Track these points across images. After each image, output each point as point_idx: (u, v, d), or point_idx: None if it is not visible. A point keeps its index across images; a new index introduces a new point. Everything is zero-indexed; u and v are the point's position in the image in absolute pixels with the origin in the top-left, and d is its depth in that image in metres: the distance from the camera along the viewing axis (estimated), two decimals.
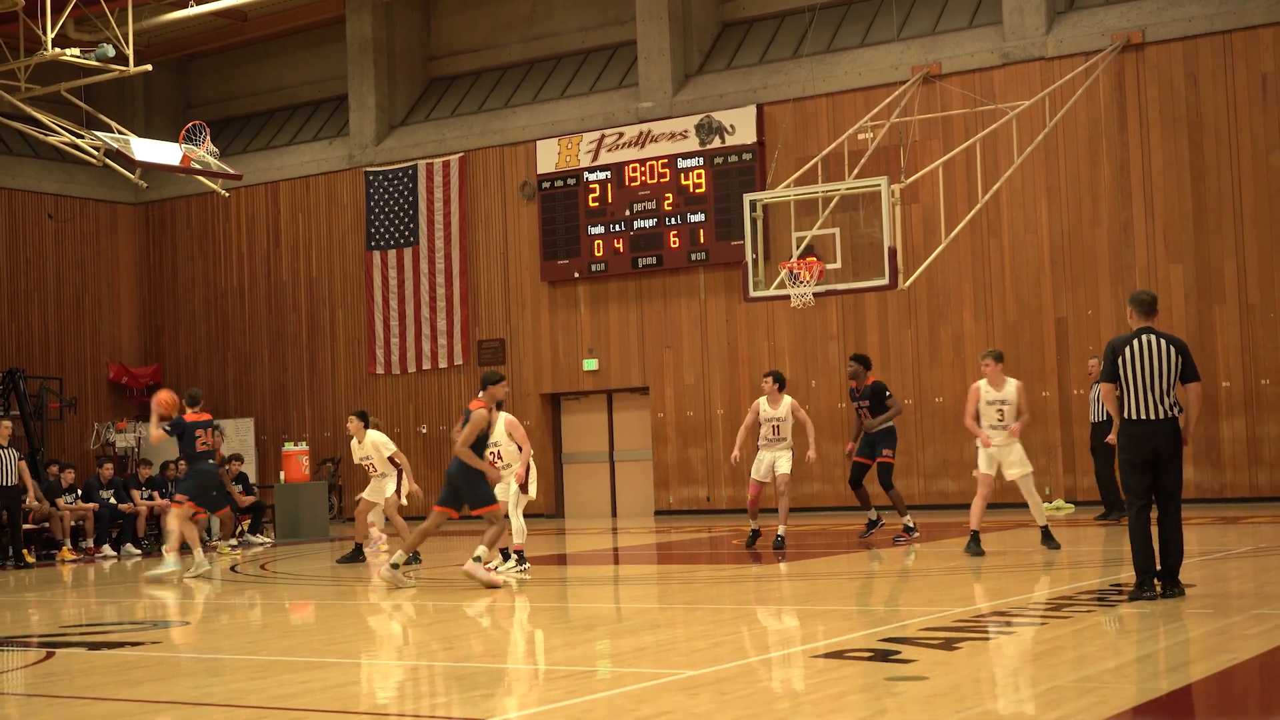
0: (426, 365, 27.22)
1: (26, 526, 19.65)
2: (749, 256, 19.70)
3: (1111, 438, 16.35)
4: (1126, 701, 6.81)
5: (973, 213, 20.82)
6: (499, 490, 14.31)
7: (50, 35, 20.94)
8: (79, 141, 22.86)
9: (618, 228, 25.10)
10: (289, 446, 23.72)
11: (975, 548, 14.34)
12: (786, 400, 16.15)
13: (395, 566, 13.37)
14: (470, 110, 27.78)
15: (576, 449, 26.29)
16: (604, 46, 27.12)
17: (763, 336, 24.10)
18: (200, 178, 23.98)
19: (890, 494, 16.81)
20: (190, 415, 16.05)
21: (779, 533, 16.17)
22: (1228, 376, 20.94)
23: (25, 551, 19.37)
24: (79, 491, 21.10)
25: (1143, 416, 10.06)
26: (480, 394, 13.40)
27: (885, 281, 18.96)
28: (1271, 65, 20.94)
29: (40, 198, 28.92)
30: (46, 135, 23.13)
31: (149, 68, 22.89)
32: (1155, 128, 21.54)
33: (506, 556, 14.88)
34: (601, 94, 26.32)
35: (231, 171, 23.66)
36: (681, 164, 24.60)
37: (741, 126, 24.21)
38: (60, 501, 20.57)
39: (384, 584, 13.52)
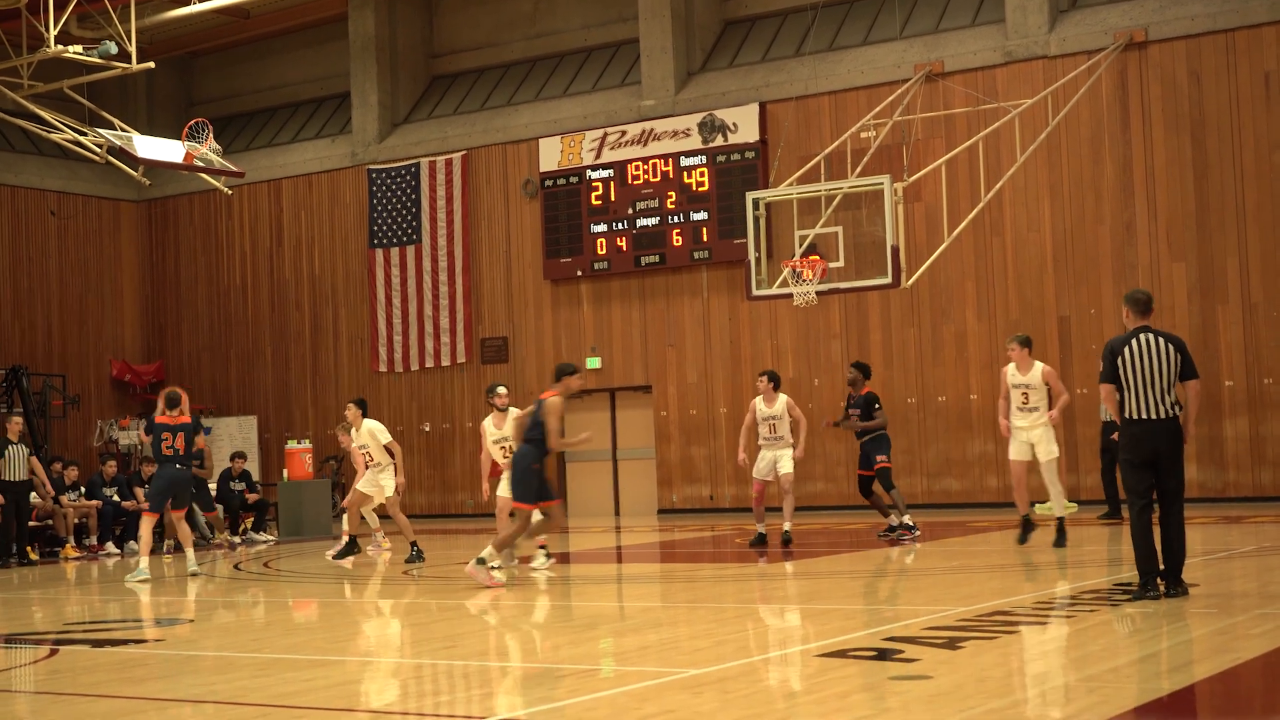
0: (429, 363, 27.23)
1: (30, 524, 19.65)
2: (752, 255, 19.70)
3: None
4: (1129, 701, 6.82)
5: (975, 211, 20.81)
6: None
7: (53, 32, 20.95)
8: (82, 139, 22.87)
9: (620, 226, 25.10)
10: (292, 444, 23.74)
11: (1026, 535, 14.61)
12: (782, 399, 16.37)
13: (482, 562, 13.08)
14: (473, 108, 27.78)
15: (579, 447, 26.25)
16: (606, 44, 27.12)
17: (765, 335, 24.10)
18: (203, 175, 24.00)
19: (892, 494, 16.92)
20: (162, 418, 15.89)
21: (785, 529, 16.33)
22: (1231, 376, 20.93)
23: (29, 549, 19.38)
24: (82, 489, 21.11)
25: (1144, 416, 10.05)
26: (554, 384, 13.22)
27: (888, 280, 18.96)
28: (1274, 64, 20.93)
29: (43, 195, 28.93)
30: (49, 132, 23.14)
31: (152, 65, 22.91)
32: (1158, 126, 21.52)
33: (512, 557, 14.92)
34: (604, 92, 26.32)
35: (234, 169, 23.67)
36: (684, 162, 24.59)
37: (744, 125, 24.20)
38: (63, 499, 20.58)
39: (471, 579, 13.19)
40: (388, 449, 16.98)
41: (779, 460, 16.31)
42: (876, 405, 16.93)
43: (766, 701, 7.18)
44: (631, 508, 25.76)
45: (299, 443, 23.67)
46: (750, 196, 19.92)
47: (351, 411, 17.20)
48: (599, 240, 25.27)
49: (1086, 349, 21.50)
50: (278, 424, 28.71)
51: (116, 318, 30.05)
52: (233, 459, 23.05)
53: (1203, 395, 19.94)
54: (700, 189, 24.42)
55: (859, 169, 20.67)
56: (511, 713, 7.01)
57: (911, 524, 16.79)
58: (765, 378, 16.52)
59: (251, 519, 22.68)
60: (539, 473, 12.94)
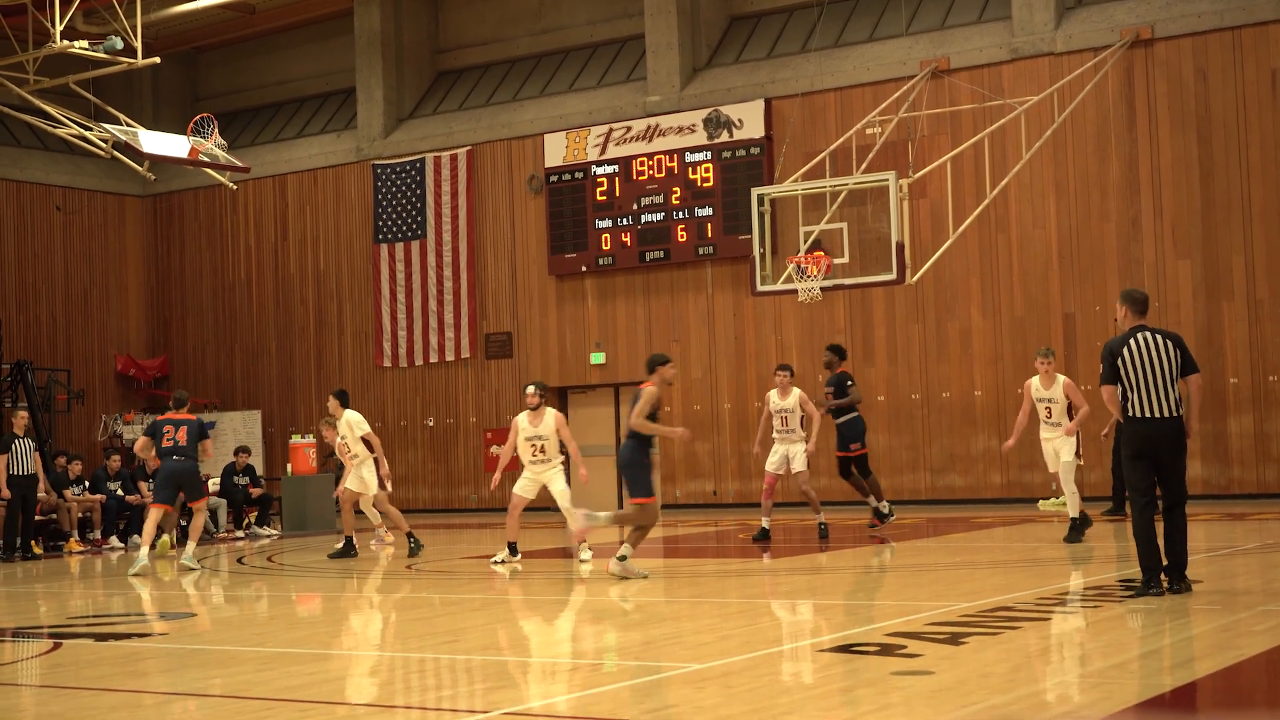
0: (434, 358, 27.24)
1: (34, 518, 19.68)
2: (756, 251, 19.70)
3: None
4: (1132, 697, 6.81)
5: (980, 208, 20.80)
6: (553, 486, 14.66)
7: (59, 27, 20.95)
8: (87, 134, 22.89)
9: (625, 221, 25.10)
10: (296, 439, 23.76)
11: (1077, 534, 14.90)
12: (795, 392, 16.50)
13: (623, 559, 12.99)
14: (478, 104, 27.78)
15: (583, 442, 25.97)
16: (612, 40, 27.11)
17: (770, 331, 24.10)
18: (208, 170, 24.01)
19: (867, 481, 17.21)
20: (166, 414, 16.11)
21: (820, 521, 16.68)
22: (1236, 372, 20.91)
23: (33, 543, 19.40)
24: (86, 483, 21.13)
25: (1148, 415, 10.02)
26: (650, 375, 13.23)
27: (893, 276, 18.96)
28: None
29: (48, 190, 28.96)
30: (55, 127, 23.15)
31: (157, 60, 22.92)
32: (1164, 123, 21.50)
33: (514, 551, 14.93)
34: (609, 88, 26.31)
35: (239, 164, 23.68)
36: (689, 158, 24.58)
37: (749, 121, 24.19)
38: (68, 493, 20.60)
39: (614, 575, 13.04)
40: (365, 440, 16.82)
41: (793, 457, 16.46)
42: (849, 383, 17.24)
43: (770, 696, 7.18)
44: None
45: (303, 437, 23.69)
46: (755, 192, 19.92)
47: (332, 403, 17.12)
48: (604, 236, 25.28)
49: (1091, 346, 21.47)
50: (282, 419, 28.72)
51: (121, 312, 30.08)
52: (236, 453, 23.07)
53: (1207, 391, 20.02)
54: (705, 185, 24.42)
55: (864, 165, 20.66)
56: (514, 707, 7.01)
57: (887, 511, 17.09)
58: (786, 372, 16.72)
59: (255, 513, 22.70)
60: (649, 466, 12.95)
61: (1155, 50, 21.59)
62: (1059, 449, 14.87)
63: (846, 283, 19.49)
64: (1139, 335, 10.13)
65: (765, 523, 16.68)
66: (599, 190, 25.34)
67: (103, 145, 22.95)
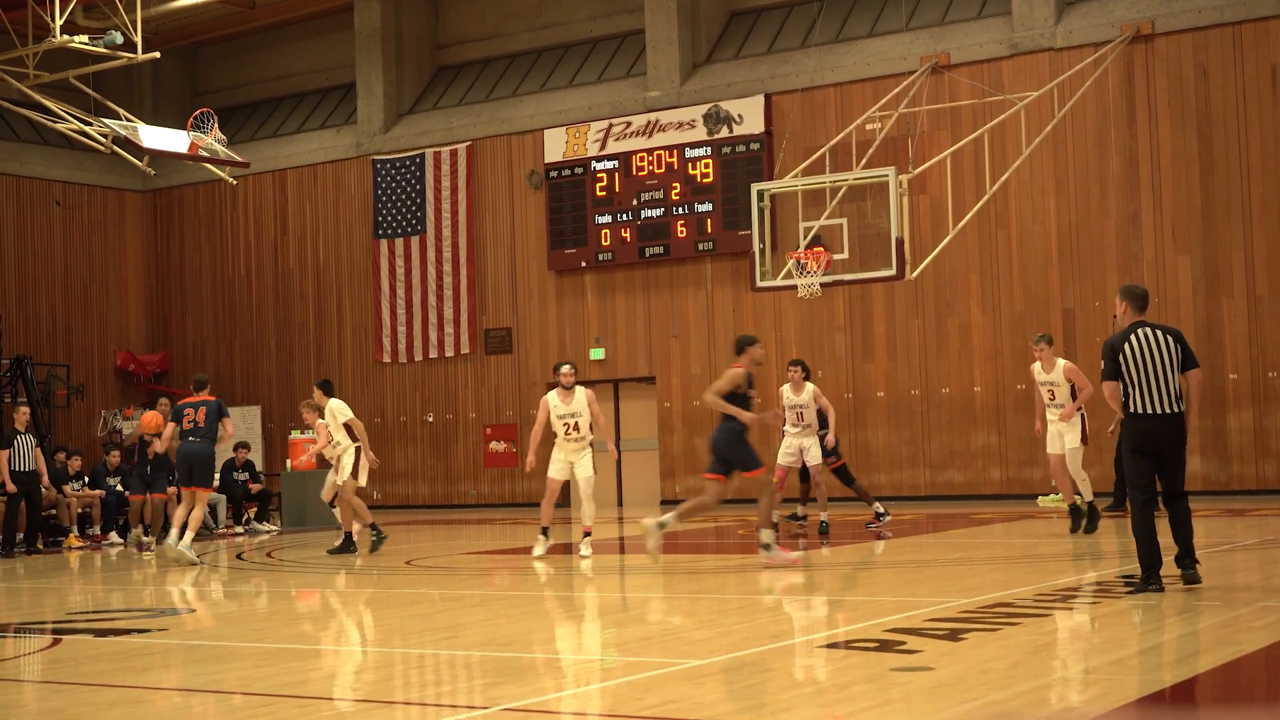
0: (433, 354, 27.24)
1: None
2: (756, 246, 19.69)
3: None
4: (1132, 693, 6.81)
5: (980, 204, 20.80)
6: (579, 468, 14.70)
7: (59, 22, 20.93)
8: (87, 129, 22.87)
9: (625, 217, 25.10)
10: (295, 434, 23.75)
11: (1079, 523, 15.12)
12: (809, 388, 16.59)
13: (767, 547, 13.20)
14: (478, 99, 27.77)
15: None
16: (612, 35, 27.10)
17: (770, 327, 24.09)
18: (208, 165, 23.99)
19: (853, 488, 17.46)
20: (187, 398, 16.44)
21: (821, 518, 16.76)
22: (1235, 369, 20.92)
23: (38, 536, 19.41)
24: (86, 479, 21.13)
25: (1150, 411, 10.02)
26: (737, 357, 13.39)
27: (892, 272, 18.97)
28: None
29: (48, 185, 28.95)
30: (54, 122, 23.14)
31: (157, 55, 22.92)
32: (1164, 119, 21.49)
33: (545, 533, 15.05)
34: (609, 83, 26.31)
35: (239, 159, 23.67)
36: (689, 153, 24.58)
37: (749, 116, 24.19)
38: (67, 489, 20.59)
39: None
40: (348, 427, 16.70)
41: (807, 449, 16.64)
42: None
43: (769, 692, 7.18)
44: (634, 498, 25.76)
45: (303, 433, 23.69)
46: (755, 188, 19.92)
47: (316, 394, 17.08)
48: (603, 231, 25.28)
49: (1091, 341, 21.47)
50: (281, 414, 28.72)
51: (121, 308, 30.07)
52: (236, 449, 23.06)
53: (1206, 387, 20.02)
54: (705, 180, 24.41)
55: (864, 161, 20.66)
56: (514, 703, 7.01)
57: (823, 519, 17.13)
58: (798, 368, 16.84)
59: (254, 509, 22.71)
60: (745, 441, 13.26)
61: (1155, 46, 21.59)
62: (1063, 433, 15.01)
63: (846, 278, 19.50)
64: (1140, 331, 10.12)
65: (776, 514, 16.89)
66: (599, 186, 25.33)
67: (102, 140, 22.94)
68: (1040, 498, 21.27)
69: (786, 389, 16.85)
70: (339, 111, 29.56)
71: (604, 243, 25.28)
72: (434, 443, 27.35)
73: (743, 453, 13.24)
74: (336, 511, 17.51)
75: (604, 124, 25.45)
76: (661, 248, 24.78)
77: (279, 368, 29.07)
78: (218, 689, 7.83)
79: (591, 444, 15.05)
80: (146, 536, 19.45)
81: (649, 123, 25.06)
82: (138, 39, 21.98)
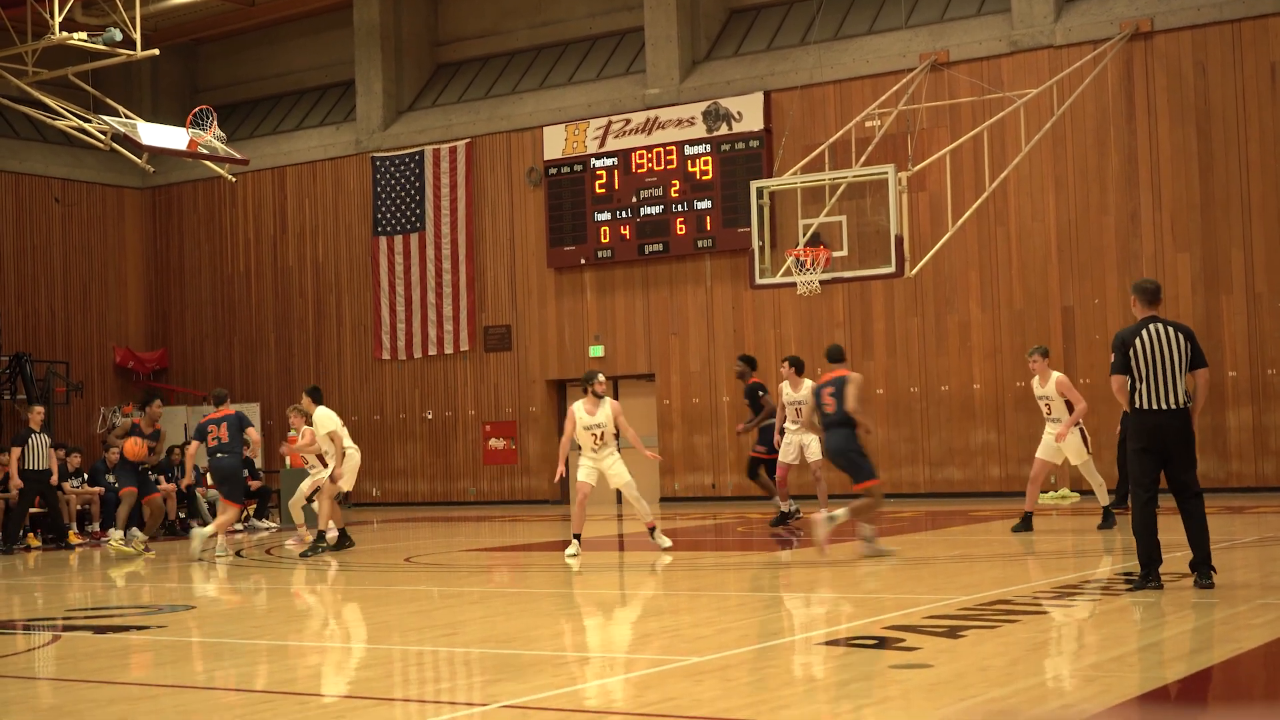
0: (432, 351, 27.23)
1: (33, 510, 19.68)
2: (755, 244, 19.69)
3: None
4: (1130, 690, 6.82)
5: (980, 201, 20.79)
6: (614, 476, 14.69)
7: (58, 19, 20.92)
8: (86, 126, 22.86)
9: (624, 214, 25.09)
10: (294, 432, 23.69)
11: (1024, 526, 15.24)
12: (806, 384, 16.60)
13: (869, 540, 13.36)
14: (477, 96, 27.76)
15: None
16: (611, 33, 27.09)
17: (769, 324, 24.09)
18: (207, 162, 23.98)
19: (756, 481, 17.79)
20: (209, 415, 16.86)
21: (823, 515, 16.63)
22: (1234, 366, 20.92)
23: (30, 535, 19.42)
24: (85, 476, 21.13)
25: (1156, 406, 9.99)
26: (840, 364, 13.61)
27: (892, 269, 18.96)
28: None
29: (47, 182, 28.93)
30: (54, 119, 23.12)
31: (156, 52, 22.88)
32: (1163, 117, 21.49)
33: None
34: (608, 80, 26.30)
35: (238, 156, 23.65)
36: (688, 151, 24.57)
37: (748, 113, 24.18)
38: (66, 486, 20.60)
39: (819, 536, 13.24)
40: (331, 437, 16.64)
41: (806, 445, 16.74)
42: (761, 393, 17.59)
43: (768, 689, 7.19)
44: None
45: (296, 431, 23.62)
46: (754, 185, 19.91)
47: (305, 401, 17.11)
48: (603, 229, 25.27)
49: (1090, 339, 21.48)
50: (280, 412, 28.64)
51: (120, 305, 30.06)
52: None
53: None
54: (704, 178, 24.41)
55: (863, 158, 20.65)
56: (513, 700, 7.01)
57: (791, 510, 17.34)
58: (788, 364, 16.95)
59: (254, 506, 22.70)
60: (863, 450, 13.37)
61: (1155, 43, 21.58)
62: (1065, 449, 15.12)
63: (845, 276, 19.49)
64: (1151, 326, 10.09)
65: (785, 506, 17.01)
66: (598, 183, 25.33)
67: (101, 137, 22.92)
68: (1040, 495, 21.26)
69: (785, 386, 16.89)
70: (338, 109, 29.55)
71: (603, 240, 25.27)
72: (433, 440, 27.35)
73: (861, 462, 13.35)
74: (314, 505, 17.52)
75: (603, 121, 25.44)
76: (661, 245, 24.78)
77: (278, 365, 29.07)
78: (216, 686, 7.83)
79: (619, 447, 15.05)
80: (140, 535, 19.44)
81: (648, 120, 25.05)
82: (137, 36, 21.97)
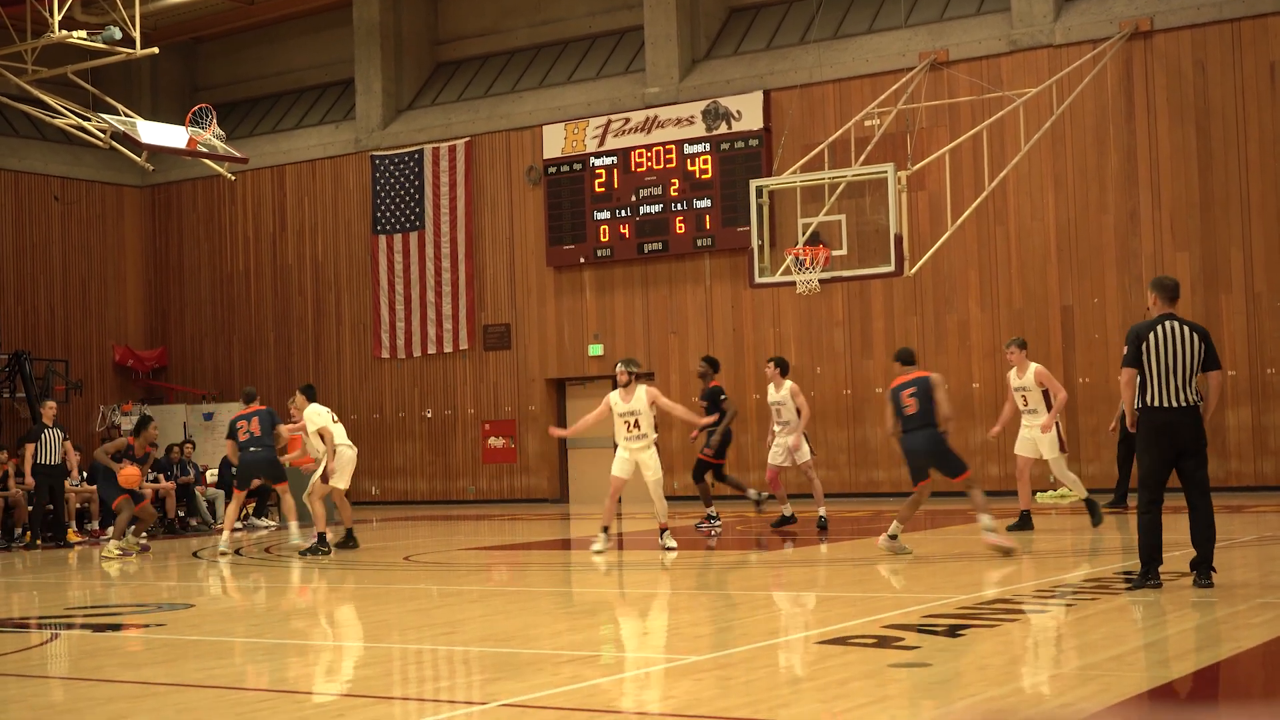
0: (432, 350, 27.23)
1: (32, 508, 19.68)
2: (755, 243, 19.68)
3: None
4: (1130, 689, 6.82)
5: (979, 200, 20.79)
6: (647, 469, 14.70)
7: (57, 17, 20.92)
8: (85, 124, 22.85)
9: (624, 213, 25.09)
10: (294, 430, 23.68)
11: (1022, 524, 15.28)
12: (787, 385, 16.52)
13: (894, 537, 13.41)
14: (477, 95, 27.75)
15: (583, 435, 26.26)
16: (611, 32, 27.09)
17: (768, 323, 24.09)
18: (206, 161, 23.98)
19: (698, 486, 17.68)
20: (240, 411, 17.31)
21: (820, 514, 16.77)
22: (1234, 365, 20.91)
23: (28, 534, 19.41)
24: (84, 474, 21.12)
25: (1166, 404, 9.94)
26: (914, 366, 13.51)
27: (891, 268, 18.96)
28: None
29: (46, 180, 28.92)
30: (53, 118, 23.12)
31: (156, 50, 22.87)
32: (1163, 116, 21.49)
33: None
34: (608, 79, 26.29)
35: (238, 155, 23.65)
36: (688, 150, 24.57)
37: (748, 112, 24.18)
38: (65, 484, 20.58)
39: (885, 552, 13.40)
40: (320, 435, 16.65)
41: (795, 448, 16.80)
42: (721, 397, 17.43)
43: (767, 688, 7.19)
44: (632, 494, 25.63)
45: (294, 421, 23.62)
46: (754, 184, 19.91)
47: (298, 399, 17.15)
48: (602, 227, 25.26)
49: (1089, 338, 21.48)
50: (280, 410, 28.48)
51: (119, 303, 30.06)
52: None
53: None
54: (704, 176, 24.41)
55: (863, 157, 20.65)
56: (512, 698, 7.01)
57: (714, 515, 17.55)
58: (772, 363, 16.94)
59: (253, 505, 22.68)
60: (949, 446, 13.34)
61: (1154, 42, 21.58)
62: (1039, 444, 15.08)
63: (845, 275, 19.49)
64: (1166, 323, 10.04)
65: (786, 509, 16.95)
66: (597, 182, 25.32)
67: (101, 135, 22.92)
68: (1038, 494, 21.26)
69: (771, 386, 16.92)
70: (338, 107, 29.54)
71: (603, 239, 25.27)
72: (432, 439, 27.35)
73: (953, 457, 13.35)
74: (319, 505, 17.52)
75: (603, 120, 25.44)
76: (660, 244, 24.78)
77: (277, 363, 29.06)
78: (216, 684, 7.82)
79: (656, 442, 14.95)
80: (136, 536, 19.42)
81: (648, 119, 25.05)
82: (136, 34, 21.97)
